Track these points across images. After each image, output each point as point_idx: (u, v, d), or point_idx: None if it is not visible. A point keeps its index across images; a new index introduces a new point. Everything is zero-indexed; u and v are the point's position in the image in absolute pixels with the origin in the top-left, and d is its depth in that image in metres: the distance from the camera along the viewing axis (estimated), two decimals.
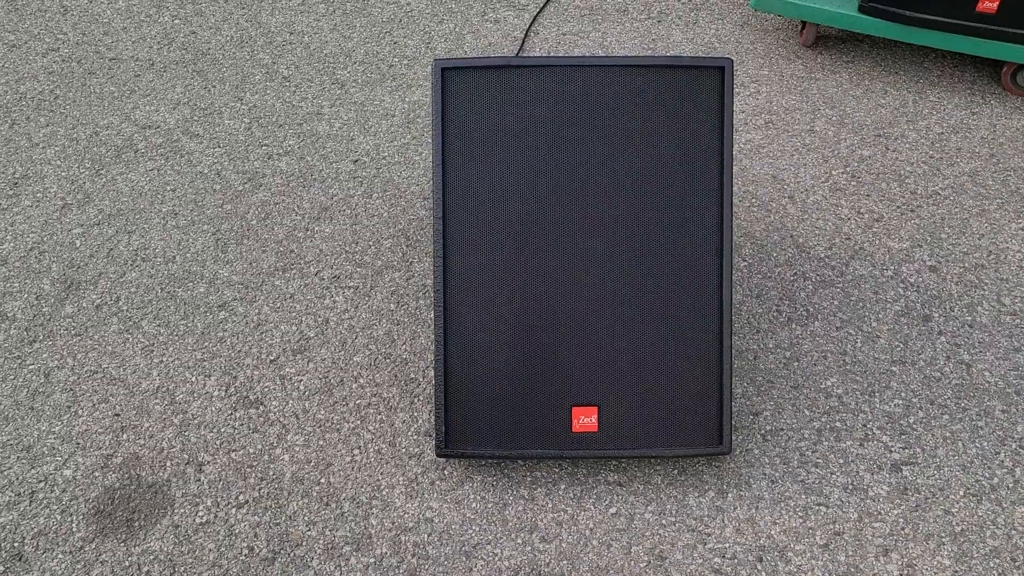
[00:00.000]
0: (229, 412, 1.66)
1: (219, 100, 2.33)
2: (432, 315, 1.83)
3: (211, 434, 1.63)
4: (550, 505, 1.54)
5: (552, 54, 2.43)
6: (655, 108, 1.47)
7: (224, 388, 1.70)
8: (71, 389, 1.69)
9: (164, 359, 1.75)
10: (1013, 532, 1.51)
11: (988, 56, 2.27)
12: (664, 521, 1.52)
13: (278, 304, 1.85)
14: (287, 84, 2.39)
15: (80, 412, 1.66)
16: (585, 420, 1.51)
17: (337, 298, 1.86)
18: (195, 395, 1.69)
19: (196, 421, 1.65)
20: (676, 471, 1.59)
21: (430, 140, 2.22)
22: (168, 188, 2.09)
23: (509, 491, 1.55)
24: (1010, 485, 1.58)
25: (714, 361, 1.52)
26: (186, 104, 2.32)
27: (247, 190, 2.09)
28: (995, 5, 2.16)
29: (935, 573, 1.46)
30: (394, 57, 2.48)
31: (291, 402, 1.68)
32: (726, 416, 1.52)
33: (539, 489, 1.56)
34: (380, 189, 2.10)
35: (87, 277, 1.89)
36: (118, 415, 1.65)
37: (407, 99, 2.34)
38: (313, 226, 2.01)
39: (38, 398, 1.67)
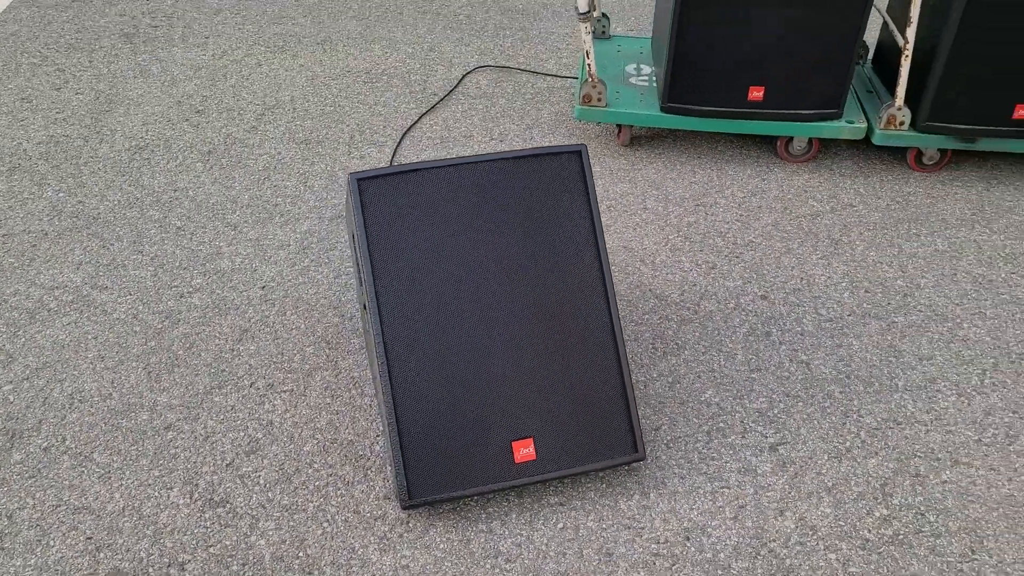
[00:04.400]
0: (198, 515, 1.79)
1: (120, 255, 2.51)
2: (367, 402, 2.05)
3: (186, 536, 1.75)
4: (507, 532, 1.77)
5: None
6: (536, 190, 1.84)
7: (188, 495, 1.83)
8: (38, 524, 1.77)
9: (123, 482, 1.86)
10: (871, 478, 1.90)
11: (764, 133, 2.87)
12: (604, 525, 1.79)
13: (221, 416, 2.01)
14: (182, 233, 2.60)
15: (52, 543, 1.73)
16: (525, 451, 1.78)
17: (276, 402, 2.05)
18: (161, 507, 1.81)
19: (168, 528, 1.76)
20: (604, 484, 1.87)
21: (329, 260, 2.49)
22: (89, 337, 2.22)
23: (470, 528, 1.77)
24: (859, 445, 1.98)
25: (618, 385, 1.84)
26: (88, 263, 2.47)
27: (167, 327, 2.26)
28: (761, 93, 2.76)
29: (821, 519, 1.81)
30: (277, 197, 2.76)
31: (255, 495, 1.84)
32: (636, 428, 1.84)
33: (495, 521, 1.79)
34: (292, 307, 2.33)
35: (28, 425, 1.98)
36: (90, 538, 1.74)
37: (298, 230, 2.61)
38: (238, 347, 2.20)
39: (6, 539, 1.74)
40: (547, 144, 3.01)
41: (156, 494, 1.84)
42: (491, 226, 1.82)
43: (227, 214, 2.69)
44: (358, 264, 1.90)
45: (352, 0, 4.20)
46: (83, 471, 1.88)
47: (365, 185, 1.79)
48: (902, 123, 2.78)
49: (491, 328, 1.80)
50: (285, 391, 2.08)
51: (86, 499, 1.82)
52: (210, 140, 3.06)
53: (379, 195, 1.80)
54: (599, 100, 2.84)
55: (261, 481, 1.87)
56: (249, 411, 2.03)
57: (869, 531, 1.80)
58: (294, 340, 2.23)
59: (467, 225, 1.81)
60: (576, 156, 1.87)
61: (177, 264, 2.48)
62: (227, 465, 1.90)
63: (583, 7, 2.65)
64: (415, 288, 1.78)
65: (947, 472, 1.93)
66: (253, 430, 1.98)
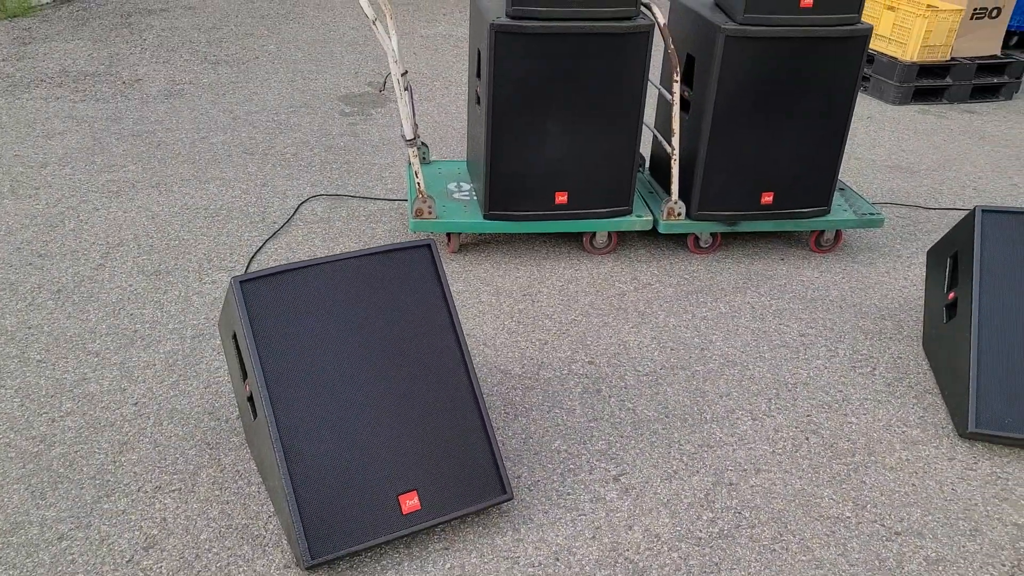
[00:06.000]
0: None
1: None
2: (255, 490, 2.22)
3: None
4: None
5: None
6: (397, 279, 2.17)
7: None
8: None
9: None
10: (696, 491, 2.30)
11: (572, 231, 3.37)
12: (486, 560, 2.06)
13: (114, 520, 2.11)
14: (43, 364, 2.68)
15: None
16: (410, 503, 2.03)
17: (166, 501, 2.18)
18: None
19: None
20: (480, 526, 2.14)
21: (197, 374, 2.66)
22: None
23: None
24: (684, 467, 2.38)
25: (484, 438, 2.15)
26: None
27: (43, 449, 2.33)
28: (566, 198, 3.28)
29: (662, 528, 2.17)
30: (136, 324, 2.90)
31: None
32: (503, 472, 2.14)
33: (389, 572, 2.01)
34: (167, 418, 2.47)
35: None
36: None
37: (161, 351, 2.77)
38: (119, 458, 2.31)
39: None
40: None
41: None
42: (361, 312, 2.12)
43: (87, 344, 2.79)
44: (240, 360, 2.12)
45: (179, 146, 4.45)
46: None
47: (247, 286, 2.05)
48: (679, 214, 3.38)
49: (369, 400, 2.07)
50: (174, 490, 2.22)
51: None
52: (57, 280, 3.16)
53: (260, 294, 2.06)
54: (430, 213, 3.25)
55: (164, 571, 1.98)
56: (141, 512, 2.14)
57: (701, 531, 2.17)
58: (174, 445, 2.37)
59: (339, 313, 2.10)
60: (427, 248, 2.23)
61: (44, 393, 2.55)
62: (127, 562, 2.00)
63: (409, 134, 3.08)
64: (298, 371, 2.03)
65: (753, 479, 2.36)
66: (148, 528, 2.10)
